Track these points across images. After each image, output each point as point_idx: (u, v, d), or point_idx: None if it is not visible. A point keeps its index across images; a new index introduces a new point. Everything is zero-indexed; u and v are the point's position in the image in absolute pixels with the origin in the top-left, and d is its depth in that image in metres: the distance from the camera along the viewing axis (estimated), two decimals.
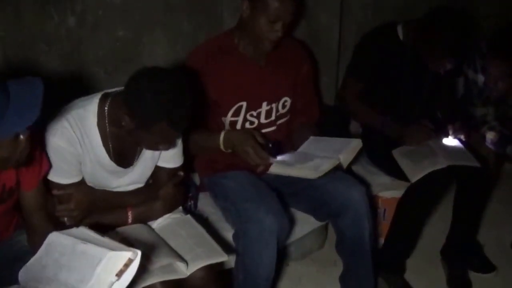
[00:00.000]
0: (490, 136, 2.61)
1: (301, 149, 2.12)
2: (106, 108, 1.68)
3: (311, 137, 2.17)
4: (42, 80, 1.35)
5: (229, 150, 1.98)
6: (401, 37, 2.44)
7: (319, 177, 1.90)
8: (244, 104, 2.07)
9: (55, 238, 1.40)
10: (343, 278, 2.24)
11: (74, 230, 1.42)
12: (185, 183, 2.00)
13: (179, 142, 1.86)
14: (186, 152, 1.93)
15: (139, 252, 1.28)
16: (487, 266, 2.54)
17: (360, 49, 2.50)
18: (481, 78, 2.56)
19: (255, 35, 1.98)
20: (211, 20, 2.43)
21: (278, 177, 2.01)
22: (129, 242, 1.42)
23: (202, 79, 2.01)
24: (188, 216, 1.90)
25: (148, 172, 1.87)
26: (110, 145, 1.72)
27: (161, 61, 2.30)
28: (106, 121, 1.69)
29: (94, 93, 1.72)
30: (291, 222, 2.15)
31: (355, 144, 2.07)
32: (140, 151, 1.80)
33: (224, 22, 2.44)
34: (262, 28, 1.95)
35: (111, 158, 1.74)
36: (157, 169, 1.88)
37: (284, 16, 1.94)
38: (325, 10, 2.69)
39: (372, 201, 2.27)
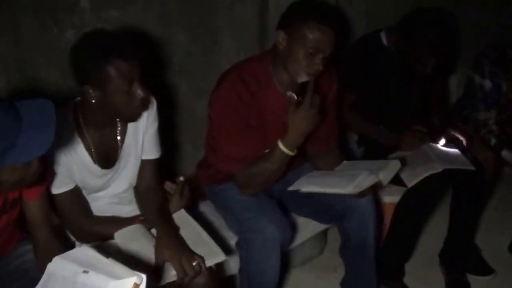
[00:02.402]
0: (489, 138, 2.69)
1: (337, 170, 2.14)
2: (79, 111, 1.76)
3: (345, 162, 2.18)
4: (52, 102, 1.37)
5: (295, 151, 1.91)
6: (385, 43, 2.51)
7: (357, 194, 1.92)
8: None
9: (55, 267, 1.33)
10: (344, 283, 2.28)
11: (77, 251, 1.38)
12: (189, 185, 2.01)
13: (156, 131, 1.91)
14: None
15: (144, 276, 1.27)
16: (485, 269, 2.61)
17: (346, 60, 2.56)
18: (488, 84, 2.64)
19: (292, 69, 1.90)
20: (207, 33, 2.50)
21: (280, 185, 2.04)
22: (134, 258, 1.42)
23: (245, 110, 1.94)
24: (183, 212, 1.92)
25: (135, 170, 1.91)
26: (93, 150, 1.79)
27: None
28: (83, 125, 1.76)
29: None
30: (293, 228, 2.18)
31: (394, 164, 2.08)
32: (122, 148, 1.85)
33: (220, 34, 2.51)
34: (301, 62, 1.86)
35: (94, 162, 1.80)
36: (142, 164, 1.92)
37: (324, 48, 1.85)
38: None
39: (379, 206, 2.30)
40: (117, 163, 1.86)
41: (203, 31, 2.49)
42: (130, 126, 1.85)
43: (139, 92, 1.67)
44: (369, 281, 2.19)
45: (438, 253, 2.61)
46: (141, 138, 1.88)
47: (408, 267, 2.54)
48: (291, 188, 1.96)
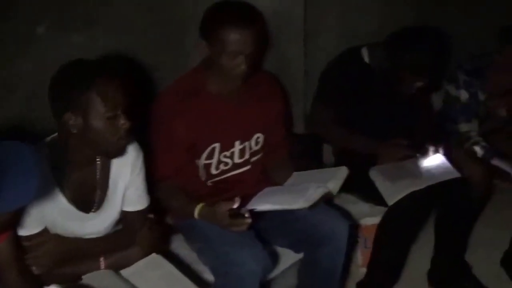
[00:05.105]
0: (477, 150, 2.68)
1: (287, 184, 2.18)
2: (53, 149, 1.73)
3: (295, 173, 2.23)
4: (33, 149, 1.34)
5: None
6: (366, 60, 2.51)
7: (309, 207, 1.94)
8: (217, 145, 2.11)
9: None
10: None
11: None
12: (160, 225, 2.02)
13: (142, 183, 1.91)
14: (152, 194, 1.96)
15: None
16: (477, 287, 2.56)
17: (326, 77, 2.57)
18: (464, 94, 2.65)
19: (220, 73, 2.00)
20: (175, 52, 2.50)
21: (258, 214, 2.03)
22: None
23: (173, 123, 2.03)
24: (155, 255, 1.90)
25: (114, 219, 1.90)
26: (68, 190, 1.77)
27: None
28: (58, 164, 1.73)
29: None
30: (274, 257, 2.18)
31: (342, 172, 2.13)
32: (100, 195, 1.83)
33: (188, 57, 2.49)
34: (226, 65, 1.96)
35: (69, 202, 1.77)
36: (125, 214, 1.91)
37: (244, 48, 1.94)
38: (288, 38, 2.74)
39: (354, 233, 2.33)
40: (94, 206, 1.83)
41: (174, 52, 2.49)
42: (112, 170, 1.82)
43: (123, 121, 1.66)
44: None
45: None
46: (121, 190, 1.86)
47: None
48: (247, 207, 1.98)
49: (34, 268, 1.75)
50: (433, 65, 2.40)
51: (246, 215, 1.88)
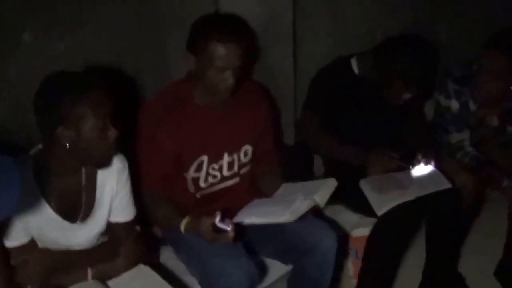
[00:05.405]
0: (466, 161, 2.67)
1: (275, 196, 2.16)
2: (39, 161, 1.73)
3: (283, 184, 2.21)
4: (12, 160, 1.32)
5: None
6: (356, 70, 2.50)
7: (295, 220, 1.93)
8: (205, 158, 2.09)
9: None
10: None
11: None
12: (145, 237, 2.02)
13: (128, 193, 1.89)
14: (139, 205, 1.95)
15: None
16: None
17: (315, 86, 2.56)
18: (455, 104, 2.64)
19: (207, 86, 1.99)
20: (160, 61, 2.48)
21: (245, 226, 2.02)
22: None
23: (159, 134, 2.01)
24: (142, 266, 1.89)
25: (100, 229, 1.88)
26: (54, 200, 1.76)
27: None
28: (44, 175, 1.72)
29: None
30: (262, 269, 2.17)
31: (330, 183, 2.11)
32: (86, 205, 1.82)
33: (172, 62, 2.48)
34: (213, 79, 1.96)
35: (55, 212, 1.76)
36: (111, 225, 1.90)
37: (231, 63, 1.94)
38: (277, 46, 2.72)
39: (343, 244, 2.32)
40: (80, 216, 1.82)
41: (156, 61, 2.47)
42: (98, 181, 1.82)
43: (112, 130, 1.69)
44: None
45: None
46: (107, 200, 1.85)
47: None
48: (234, 220, 1.96)
49: (29, 287, 1.75)
50: (421, 77, 2.39)
51: (229, 228, 1.84)
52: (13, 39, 2.07)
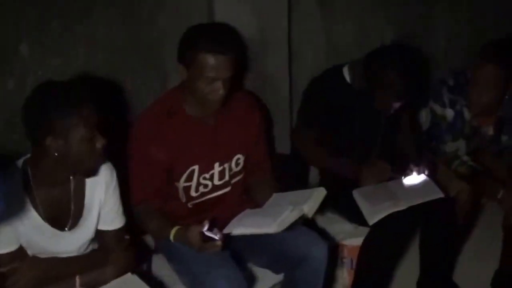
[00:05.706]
0: (462, 170, 2.65)
1: (265, 206, 2.16)
2: (28, 169, 1.75)
3: (274, 194, 2.20)
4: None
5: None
6: (348, 79, 2.50)
7: (283, 231, 1.93)
8: (196, 167, 2.10)
9: None
10: None
11: None
12: (135, 246, 2.03)
13: (117, 201, 1.91)
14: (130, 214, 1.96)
15: None
16: None
17: (307, 96, 2.57)
18: (450, 113, 2.63)
19: (198, 97, 1.99)
20: (156, 77, 2.50)
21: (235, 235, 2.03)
22: None
23: (150, 145, 2.02)
24: (130, 274, 1.89)
25: (89, 237, 1.90)
26: (43, 208, 1.78)
27: None
28: (33, 183, 1.75)
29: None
30: (251, 279, 2.17)
31: (319, 193, 2.09)
32: (75, 213, 1.84)
33: (169, 77, 2.50)
34: (203, 90, 1.96)
35: (44, 220, 1.79)
36: (100, 233, 1.92)
37: (221, 73, 1.94)
38: (273, 54, 2.73)
39: (334, 255, 2.33)
40: (69, 224, 1.84)
41: (152, 75, 2.49)
42: (87, 189, 1.85)
43: (100, 140, 1.72)
44: None
45: None
46: (96, 208, 1.88)
47: None
48: (224, 231, 1.96)
49: None
50: (402, 86, 2.36)
51: (217, 237, 1.85)
52: (9, 51, 2.10)
